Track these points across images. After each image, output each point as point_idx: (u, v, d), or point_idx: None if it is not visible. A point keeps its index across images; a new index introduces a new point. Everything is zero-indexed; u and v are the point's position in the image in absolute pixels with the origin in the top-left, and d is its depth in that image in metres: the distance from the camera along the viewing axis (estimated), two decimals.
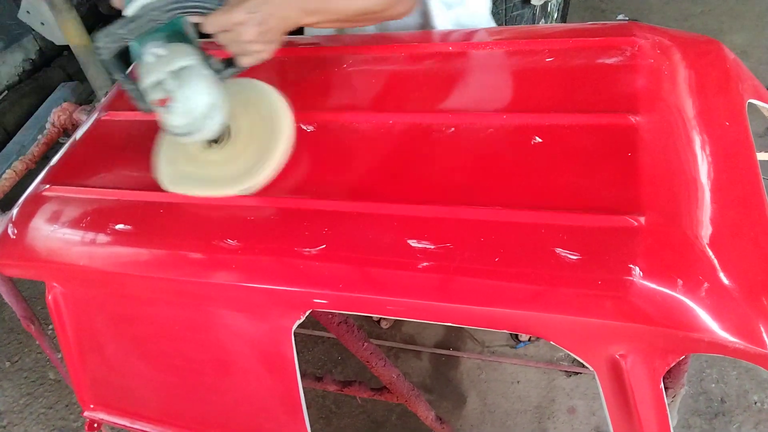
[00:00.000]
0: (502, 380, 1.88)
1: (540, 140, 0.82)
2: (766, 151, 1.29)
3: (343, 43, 1.11)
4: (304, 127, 0.94)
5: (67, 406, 2.06)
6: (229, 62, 0.84)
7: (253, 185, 0.87)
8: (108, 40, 0.77)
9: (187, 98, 0.79)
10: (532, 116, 0.85)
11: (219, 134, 0.88)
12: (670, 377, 0.94)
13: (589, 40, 0.95)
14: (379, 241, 0.77)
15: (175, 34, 0.82)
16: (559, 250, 0.69)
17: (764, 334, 0.66)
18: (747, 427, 1.66)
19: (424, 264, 0.73)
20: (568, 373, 1.84)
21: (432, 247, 0.74)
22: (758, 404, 1.70)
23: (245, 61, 0.82)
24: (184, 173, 0.91)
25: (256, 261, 0.80)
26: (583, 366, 0.71)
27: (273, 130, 0.90)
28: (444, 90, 0.94)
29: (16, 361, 2.22)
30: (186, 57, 0.79)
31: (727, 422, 1.67)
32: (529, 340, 1.95)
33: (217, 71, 0.84)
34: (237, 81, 0.93)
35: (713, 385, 1.75)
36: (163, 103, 0.80)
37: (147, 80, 0.79)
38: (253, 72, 0.89)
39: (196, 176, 0.90)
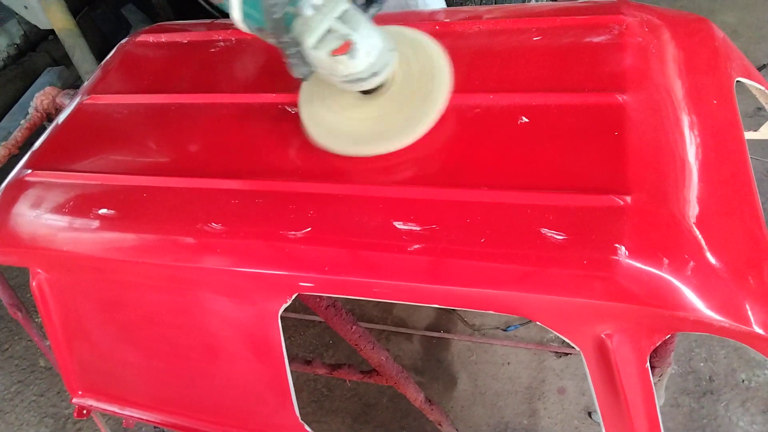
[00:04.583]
0: (493, 362, 1.89)
1: (527, 120, 0.81)
2: (755, 131, 1.29)
3: None
4: (288, 110, 0.93)
5: (58, 393, 2.06)
6: (369, 1, 0.80)
7: (404, 143, 0.82)
8: None
9: (365, 37, 0.75)
10: (519, 96, 0.84)
11: (387, 79, 0.83)
12: (657, 356, 0.95)
13: (577, 19, 0.94)
14: (364, 223, 0.76)
15: None
16: (545, 231, 0.69)
17: (749, 313, 0.67)
18: (734, 405, 1.67)
19: (410, 246, 0.72)
20: (558, 354, 1.85)
21: (418, 228, 0.73)
22: (746, 382, 1.72)
23: None
24: (338, 129, 0.86)
25: (241, 245, 0.80)
26: (573, 347, 0.71)
27: (431, 86, 0.85)
28: None
29: (6, 349, 2.22)
30: (342, 0, 0.75)
31: (715, 400, 1.69)
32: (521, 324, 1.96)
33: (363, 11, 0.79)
34: (391, 28, 0.89)
35: (702, 364, 1.77)
36: (343, 49, 0.74)
37: (315, 33, 0.74)
38: None
39: (352, 132, 0.85)
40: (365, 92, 0.85)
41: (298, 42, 0.75)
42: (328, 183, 0.81)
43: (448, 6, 1.85)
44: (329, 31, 0.74)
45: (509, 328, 1.95)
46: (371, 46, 0.76)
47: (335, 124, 0.87)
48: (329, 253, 0.76)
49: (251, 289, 0.82)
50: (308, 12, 0.74)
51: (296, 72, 0.79)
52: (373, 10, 0.80)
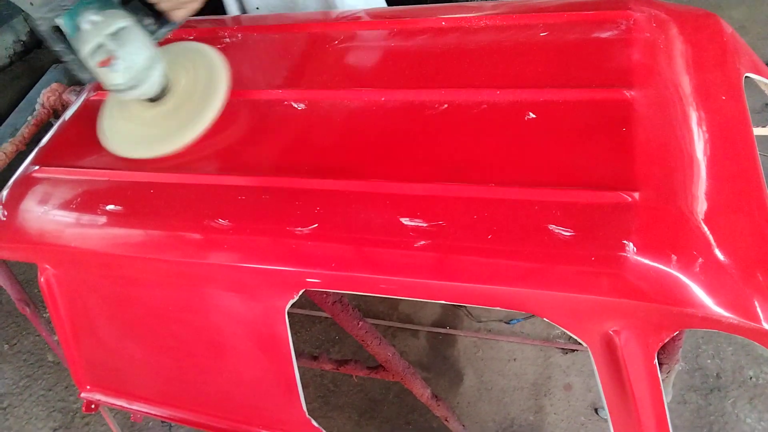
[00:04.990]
0: (499, 358, 1.89)
1: (534, 116, 0.81)
2: (763, 127, 1.28)
3: (329, 19, 1.10)
4: (294, 105, 0.93)
5: (66, 387, 2.07)
6: (162, 22, 0.91)
7: (179, 145, 0.92)
8: (46, 9, 0.83)
9: (128, 54, 0.85)
10: (526, 92, 0.84)
11: (160, 90, 0.92)
12: (665, 353, 0.95)
13: (584, 14, 0.93)
14: (371, 219, 0.76)
15: (106, 3, 0.87)
16: (552, 227, 0.69)
17: (758, 309, 0.66)
18: (742, 402, 1.67)
19: (417, 242, 0.72)
20: (565, 351, 1.85)
21: (425, 225, 0.73)
22: (753, 379, 1.71)
23: (179, 15, 0.90)
24: (122, 132, 0.97)
25: (248, 241, 0.80)
26: (579, 343, 0.71)
27: (209, 89, 0.95)
28: (437, 66, 0.93)
29: (15, 344, 2.23)
30: (121, 19, 0.86)
31: (723, 397, 1.69)
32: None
33: (152, 32, 0.90)
34: (181, 44, 1.03)
35: (709, 361, 1.76)
36: (106, 63, 0.84)
37: (87, 46, 0.84)
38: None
39: (132, 135, 0.96)
40: (150, 100, 0.94)
41: (74, 51, 0.86)
42: (335, 179, 0.81)
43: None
44: (101, 45, 0.84)
45: (512, 321, 1.95)
46: (132, 63, 0.86)
47: (123, 130, 0.97)
48: (336, 249, 0.76)
49: (258, 285, 0.82)
50: (85, 26, 0.85)
51: (79, 76, 0.89)
52: (165, 30, 0.92)
